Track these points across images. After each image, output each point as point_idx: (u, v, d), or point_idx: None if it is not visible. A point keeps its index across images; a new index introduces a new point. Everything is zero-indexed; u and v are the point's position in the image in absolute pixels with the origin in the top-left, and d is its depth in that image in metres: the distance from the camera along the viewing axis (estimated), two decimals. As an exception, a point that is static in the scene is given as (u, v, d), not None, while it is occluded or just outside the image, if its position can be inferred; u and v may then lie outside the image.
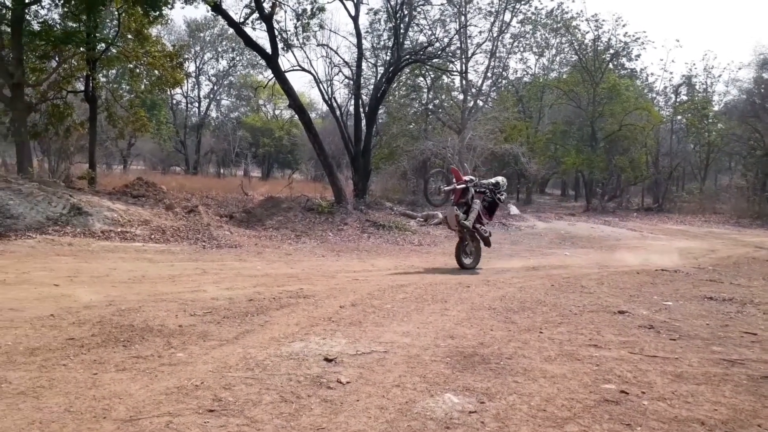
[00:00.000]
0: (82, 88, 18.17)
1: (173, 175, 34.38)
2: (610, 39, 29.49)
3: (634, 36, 29.55)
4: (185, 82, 27.42)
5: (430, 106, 29.29)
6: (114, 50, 17.69)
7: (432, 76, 27.46)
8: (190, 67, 36.98)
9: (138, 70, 19.49)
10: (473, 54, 26.76)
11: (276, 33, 17.32)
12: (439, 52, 21.81)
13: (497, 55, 27.91)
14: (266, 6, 16.90)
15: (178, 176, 31.71)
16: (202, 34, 38.85)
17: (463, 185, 9.16)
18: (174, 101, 40.86)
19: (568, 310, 5.82)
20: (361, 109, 20.38)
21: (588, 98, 28.71)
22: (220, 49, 40.21)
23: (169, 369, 3.62)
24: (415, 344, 4.36)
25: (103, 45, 17.34)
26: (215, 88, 43.32)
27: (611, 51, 29.94)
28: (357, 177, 19.39)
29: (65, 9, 16.36)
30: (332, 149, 26.49)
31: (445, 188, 9.27)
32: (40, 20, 16.66)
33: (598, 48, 29.41)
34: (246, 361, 3.81)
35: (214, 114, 46.06)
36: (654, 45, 31.62)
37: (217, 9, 16.56)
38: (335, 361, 3.86)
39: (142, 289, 6.33)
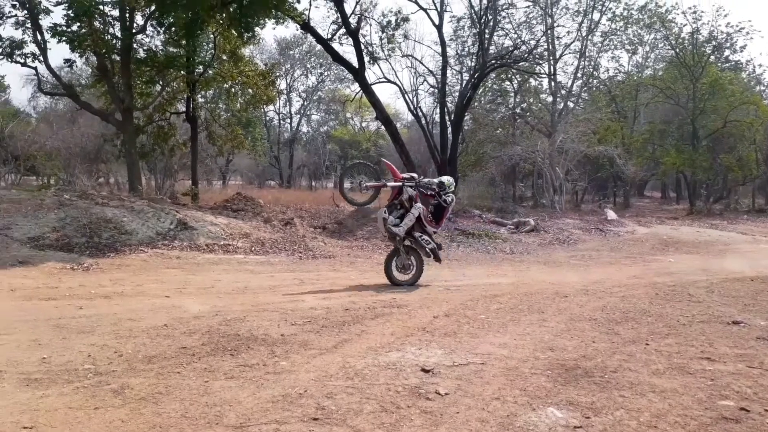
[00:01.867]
0: (184, 110, 19.36)
1: (269, 189, 35.70)
2: (712, 31, 27.76)
3: (737, 26, 27.70)
4: (278, 99, 28.55)
5: (518, 110, 28.77)
6: (211, 72, 18.77)
7: (519, 79, 26.96)
8: (282, 84, 38.48)
9: (234, 90, 20.55)
10: (561, 55, 26.08)
11: (362, 47, 17.72)
12: (525, 55, 21.42)
13: (587, 54, 26.98)
14: (352, 21, 17.34)
15: (273, 190, 32.88)
16: (291, 52, 40.23)
17: (399, 183, 7.80)
18: (267, 118, 42.52)
19: (675, 321, 5.50)
20: (447, 117, 20.38)
21: (687, 95, 27.08)
22: (309, 66, 41.51)
23: (273, 377, 3.77)
24: (513, 356, 4.28)
25: (201, 67, 18.42)
26: (305, 103, 44.73)
27: (713, 43, 28.13)
28: (445, 185, 19.31)
29: (166, 35, 17.54)
30: (418, 158, 26.63)
31: (368, 184, 7.86)
32: (145, 48, 17.99)
33: (697, 41, 27.71)
34: (346, 370, 3.89)
35: (304, 129, 47.67)
36: (761, 34, 29.32)
37: (306, 27, 17.16)
38: (432, 372, 3.86)
39: (245, 300, 6.63)
